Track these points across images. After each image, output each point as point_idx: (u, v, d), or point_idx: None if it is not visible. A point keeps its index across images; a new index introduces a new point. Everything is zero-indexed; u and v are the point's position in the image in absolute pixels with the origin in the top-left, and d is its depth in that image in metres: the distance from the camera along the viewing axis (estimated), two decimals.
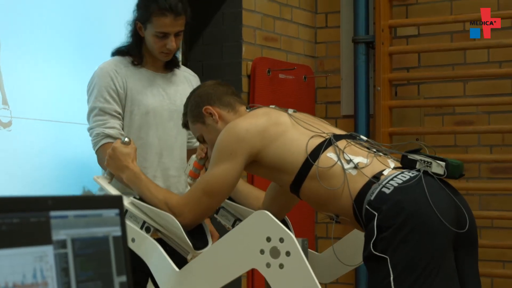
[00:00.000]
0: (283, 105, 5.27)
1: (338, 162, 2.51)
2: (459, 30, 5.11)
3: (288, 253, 2.35)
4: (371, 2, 5.26)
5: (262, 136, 2.59)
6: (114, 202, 1.41)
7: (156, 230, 2.65)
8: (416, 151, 2.55)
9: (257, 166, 2.64)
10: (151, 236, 2.63)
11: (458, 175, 2.51)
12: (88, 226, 1.33)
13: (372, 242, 2.35)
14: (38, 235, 1.23)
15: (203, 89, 2.84)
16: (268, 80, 5.01)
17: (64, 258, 1.26)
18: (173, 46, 3.15)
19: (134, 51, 3.23)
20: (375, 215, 2.37)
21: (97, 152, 3.18)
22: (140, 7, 3.21)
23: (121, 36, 3.27)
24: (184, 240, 2.57)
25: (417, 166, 2.47)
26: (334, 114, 5.44)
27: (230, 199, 2.95)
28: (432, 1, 5.23)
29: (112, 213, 1.39)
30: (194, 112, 2.78)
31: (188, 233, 2.59)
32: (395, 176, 2.44)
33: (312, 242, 5.33)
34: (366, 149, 2.58)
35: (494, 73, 4.99)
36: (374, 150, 2.58)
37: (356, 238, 2.76)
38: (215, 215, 2.96)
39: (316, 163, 2.52)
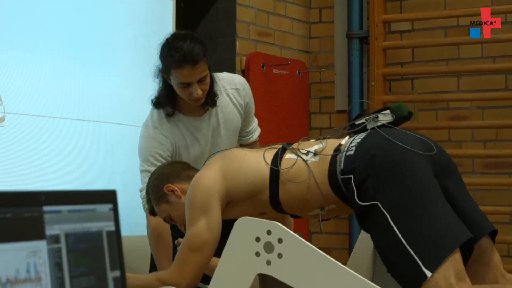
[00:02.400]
0: (277, 100, 5.30)
1: (299, 158, 2.57)
2: (453, 25, 5.11)
3: (280, 240, 2.32)
4: None
5: (223, 174, 2.61)
6: (107, 197, 1.40)
7: None
8: (360, 116, 2.62)
9: (234, 205, 2.66)
10: None
11: (408, 113, 2.59)
12: (82, 221, 1.32)
13: (356, 197, 2.37)
14: (31, 230, 1.22)
15: (159, 171, 2.86)
16: (262, 75, 5.01)
17: (58, 253, 1.26)
18: (198, 94, 3.07)
19: (167, 102, 3.17)
20: (351, 177, 2.41)
21: (146, 214, 3.17)
22: (160, 59, 3.13)
23: (114, 33, 3.23)
24: None
25: (368, 126, 2.55)
26: (328, 109, 5.44)
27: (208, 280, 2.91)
28: None
29: (105, 208, 1.38)
30: (156, 194, 2.79)
31: None
32: (353, 140, 2.51)
33: (306, 237, 5.34)
34: (317, 141, 2.65)
35: (488, 68, 5.00)
36: (325, 137, 2.66)
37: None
38: None
39: (280, 168, 2.57)
